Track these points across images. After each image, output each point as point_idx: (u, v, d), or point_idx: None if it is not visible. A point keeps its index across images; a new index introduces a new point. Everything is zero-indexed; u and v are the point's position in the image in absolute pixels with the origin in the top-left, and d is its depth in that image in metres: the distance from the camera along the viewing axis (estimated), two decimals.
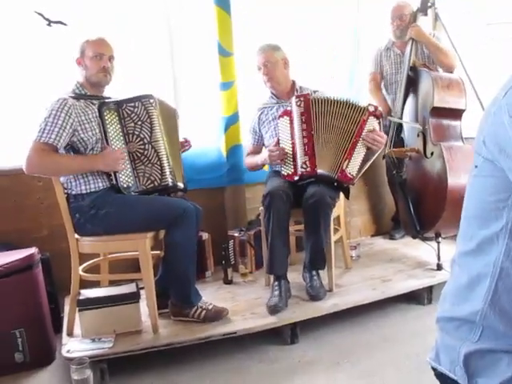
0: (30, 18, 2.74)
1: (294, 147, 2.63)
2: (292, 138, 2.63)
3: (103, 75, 2.30)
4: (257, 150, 2.93)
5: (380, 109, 2.67)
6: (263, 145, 2.91)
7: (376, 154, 2.63)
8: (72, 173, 2.25)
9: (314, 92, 2.78)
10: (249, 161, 2.92)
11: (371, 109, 2.58)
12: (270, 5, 3.30)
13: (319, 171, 2.57)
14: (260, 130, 2.90)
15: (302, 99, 2.60)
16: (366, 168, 2.63)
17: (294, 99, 2.63)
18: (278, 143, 2.67)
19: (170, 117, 2.52)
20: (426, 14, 3.16)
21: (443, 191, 2.67)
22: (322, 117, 2.58)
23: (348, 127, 2.57)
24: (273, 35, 3.16)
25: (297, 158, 2.60)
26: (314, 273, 2.61)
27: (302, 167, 2.56)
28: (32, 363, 2.25)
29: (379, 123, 2.61)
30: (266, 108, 2.87)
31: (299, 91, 2.80)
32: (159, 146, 2.33)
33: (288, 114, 2.67)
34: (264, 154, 2.76)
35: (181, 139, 2.60)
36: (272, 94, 2.87)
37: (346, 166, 2.55)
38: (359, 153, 2.57)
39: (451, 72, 3.08)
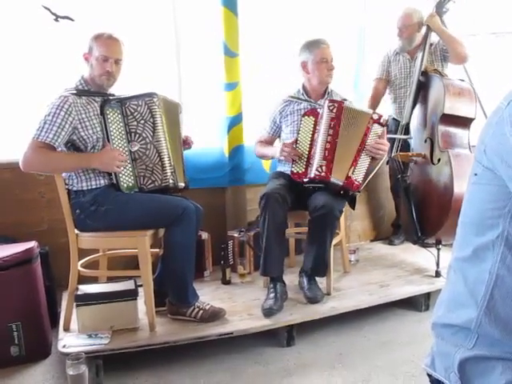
0: (37, 12, 2.75)
1: (311, 148, 2.60)
2: (312, 139, 2.61)
3: (106, 78, 2.27)
4: (270, 140, 2.90)
5: (385, 117, 2.65)
6: (279, 137, 2.88)
7: (380, 163, 2.65)
8: (68, 170, 2.25)
9: (344, 100, 2.73)
10: (259, 148, 2.89)
11: (375, 117, 2.58)
12: (275, 6, 3.29)
13: (332, 179, 2.55)
14: (280, 122, 2.84)
15: (335, 105, 2.57)
16: (370, 177, 2.66)
17: (327, 102, 2.59)
18: (295, 142, 2.63)
19: (173, 112, 2.49)
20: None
21: (448, 199, 2.66)
22: (348, 126, 2.57)
23: (356, 135, 2.57)
24: (278, 37, 3.16)
25: (313, 160, 2.57)
26: (312, 278, 2.61)
27: (317, 170, 2.54)
28: (27, 357, 2.25)
29: (383, 131, 2.61)
30: (293, 102, 2.80)
31: (330, 95, 2.77)
32: (161, 145, 2.31)
33: (315, 115, 2.63)
34: (276, 149, 2.72)
35: (183, 136, 2.59)
36: (304, 90, 2.80)
37: (352, 173, 2.55)
38: (364, 160, 2.58)
39: (464, 63, 3.16)
